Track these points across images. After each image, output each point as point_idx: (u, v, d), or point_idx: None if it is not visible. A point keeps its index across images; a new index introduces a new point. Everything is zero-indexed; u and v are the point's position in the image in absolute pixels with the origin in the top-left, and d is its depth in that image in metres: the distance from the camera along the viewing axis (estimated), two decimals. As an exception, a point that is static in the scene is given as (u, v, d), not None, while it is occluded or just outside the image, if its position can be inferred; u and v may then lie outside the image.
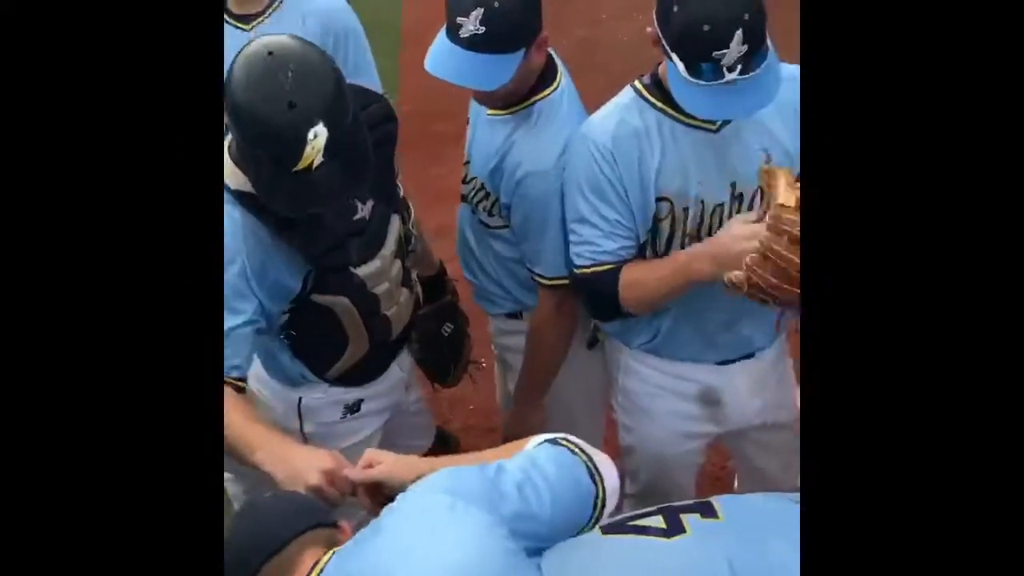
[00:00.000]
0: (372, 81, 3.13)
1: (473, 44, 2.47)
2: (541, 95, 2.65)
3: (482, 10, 2.44)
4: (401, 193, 2.66)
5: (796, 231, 2.19)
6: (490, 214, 2.79)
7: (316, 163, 2.13)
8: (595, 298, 2.59)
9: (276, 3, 3.20)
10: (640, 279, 2.50)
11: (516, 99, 2.64)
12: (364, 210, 2.48)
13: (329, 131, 2.12)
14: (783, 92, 2.34)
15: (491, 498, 1.90)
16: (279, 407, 2.71)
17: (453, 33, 2.49)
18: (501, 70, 2.50)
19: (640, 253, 2.54)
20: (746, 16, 2.21)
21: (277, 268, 2.36)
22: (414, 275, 2.79)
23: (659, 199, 2.48)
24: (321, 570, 1.83)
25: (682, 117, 2.41)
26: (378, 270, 2.53)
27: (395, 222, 2.59)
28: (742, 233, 2.32)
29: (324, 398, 2.69)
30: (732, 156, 2.45)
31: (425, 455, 2.73)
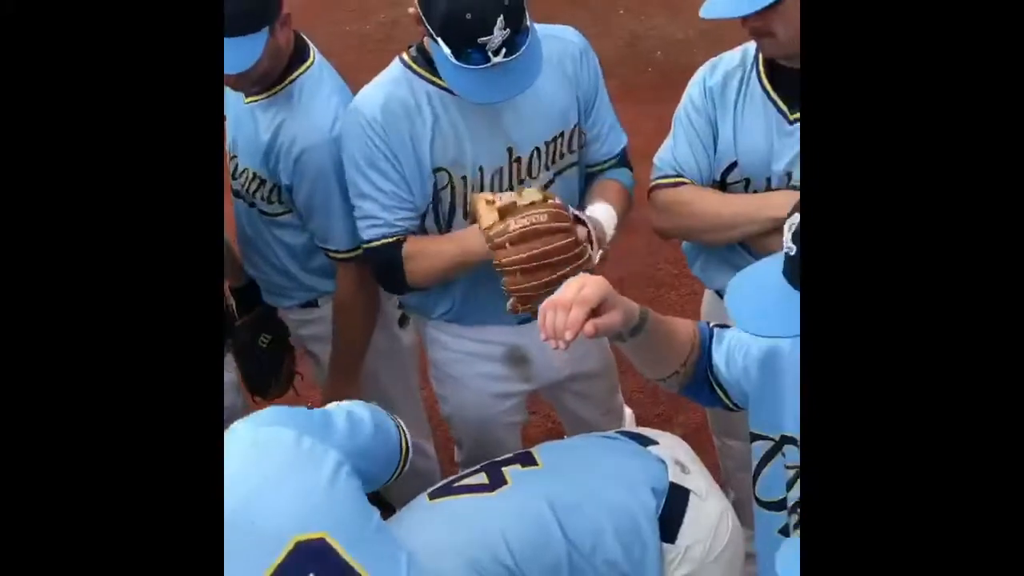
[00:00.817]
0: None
1: None
2: (298, 72, 2.65)
3: None
4: None
5: (514, 233, 2.31)
6: (269, 202, 2.75)
7: None
8: (383, 271, 2.60)
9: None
10: (423, 251, 2.53)
11: (272, 81, 2.63)
12: None
13: None
14: (546, 51, 2.40)
15: (327, 431, 2.03)
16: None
17: None
18: (247, 51, 2.49)
19: (423, 223, 2.56)
20: (506, 1, 2.26)
21: None
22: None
23: (436, 170, 2.51)
24: None
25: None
26: None
27: None
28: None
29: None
30: (505, 121, 2.50)
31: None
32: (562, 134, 2.56)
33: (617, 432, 2.60)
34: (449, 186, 2.53)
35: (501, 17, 2.26)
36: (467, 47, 2.28)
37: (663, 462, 2.34)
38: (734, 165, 2.50)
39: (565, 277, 2.05)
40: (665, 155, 2.56)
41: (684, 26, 5.80)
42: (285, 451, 1.97)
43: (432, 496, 2.32)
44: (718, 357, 2.07)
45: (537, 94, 2.46)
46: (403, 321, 3.00)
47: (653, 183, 2.58)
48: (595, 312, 1.86)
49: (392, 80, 2.51)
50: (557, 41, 2.53)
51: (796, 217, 1.69)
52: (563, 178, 2.60)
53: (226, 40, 2.35)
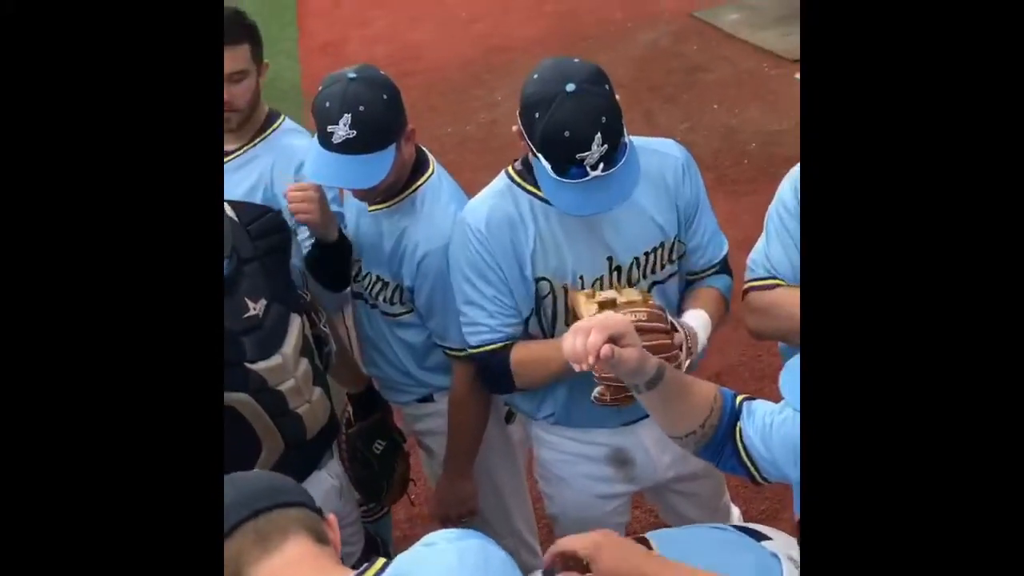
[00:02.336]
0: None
1: (347, 148, 2.66)
2: (420, 181, 2.82)
3: (350, 116, 2.64)
4: (307, 298, 2.79)
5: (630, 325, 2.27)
6: (391, 303, 2.89)
7: None
8: (489, 375, 2.70)
9: (255, 142, 3.16)
10: (530, 357, 2.62)
11: (396, 191, 2.80)
12: (256, 308, 2.56)
13: None
14: (645, 165, 2.49)
15: None
16: None
17: (327, 141, 2.67)
18: (377, 167, 2.68)
19: (527, 327, 2.65)
20: (604, 119, 2.36)
21: None
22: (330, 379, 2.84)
23: (537, 279, 2.60)
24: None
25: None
26: (278, 366, 2.57)
27: (295, 321, 2.65)
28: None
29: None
30: (605, 232, 2.58)
31: (357, 563, 2.68)
32: (661, 245, 2.62)
33: (729, 525, 2.60)
34: (551, 295, 2.61)
35: (599, 134, 2.34)
36: (566, 163, 2.37)
37: (777, 558, 2.33)
38: None
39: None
40: (758, 257, 2.60)
41: (779, 117, 5.85)
42: None
43: None
44: (751, 431, 2.11)
45: (637, 206, 2.54)
46: (509, 418, 3.08)
47: (747, 285, 2.61)
48: (615, 342, 1.96)
49: (497, 192, 2.63)
50: (658, 155, 2.62)
51: None
52: (662, 287, 2.67)
53: (358, 157, 2.65)
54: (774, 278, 2.57)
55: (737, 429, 2.14)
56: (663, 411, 2.14)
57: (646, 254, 2.61)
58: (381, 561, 1.62)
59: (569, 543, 1.99)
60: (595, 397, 2.47)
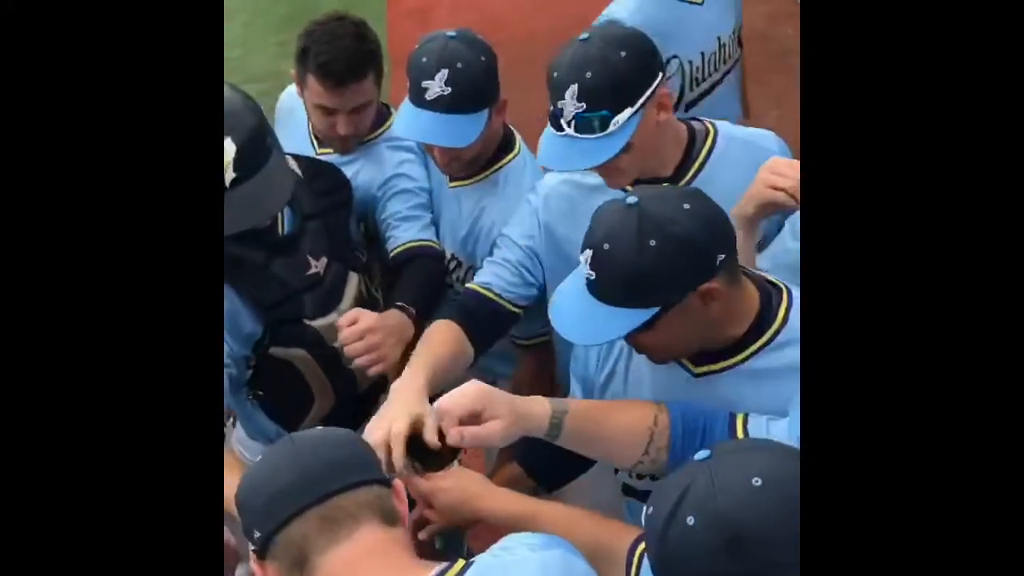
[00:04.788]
0: None
1: (440, 104, 2.54)
2: (504, 161, 2.73)
3: (447, 71, 2.53)
4: (364, 258, 2.74)
5: None
6: (463, 283, 2.79)
7: (228, 180, 2.24)
8: (467, 315, 2.46)
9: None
10: None
11: (479, 167, 2.71)
12: (318, 266, 2.55)
13: (237, 147, 2.24)
14: (737, 156, 2.34)
15: None
16: None
17: (419, 97, 2.57)
18: (469, 129, 2.57)
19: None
20: (588, 75, 2.19)
21: (238, 311, 2.43)
22: None
23: None
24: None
25: None
26: (335, 324, 2.55)
27: (353, 280, 2.63)
28: None
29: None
30: None
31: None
32: None
33: None
34: None
35: (575, 87, 2.20)
36: (552, 109, 2.26)
37: None
38: None
39: None
40: None
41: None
42: None
43: None
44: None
45: (726, 200, 2.31)
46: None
47: None
48: (476, 419, 1.89)
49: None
50: (751, 147, 2.41)
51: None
52: None
53: (451, 116, 2.54)
54: None
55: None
56: (586, 452, 2.01)
57: None
58: (461, 563, 1.56)
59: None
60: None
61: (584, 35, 2.27)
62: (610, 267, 1.89)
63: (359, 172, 2.82)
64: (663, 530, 1.46)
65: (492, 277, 2.49)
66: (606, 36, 2.26)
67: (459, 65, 2.53)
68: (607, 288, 1.90)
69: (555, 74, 2.24)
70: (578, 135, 2.22)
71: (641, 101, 2.22)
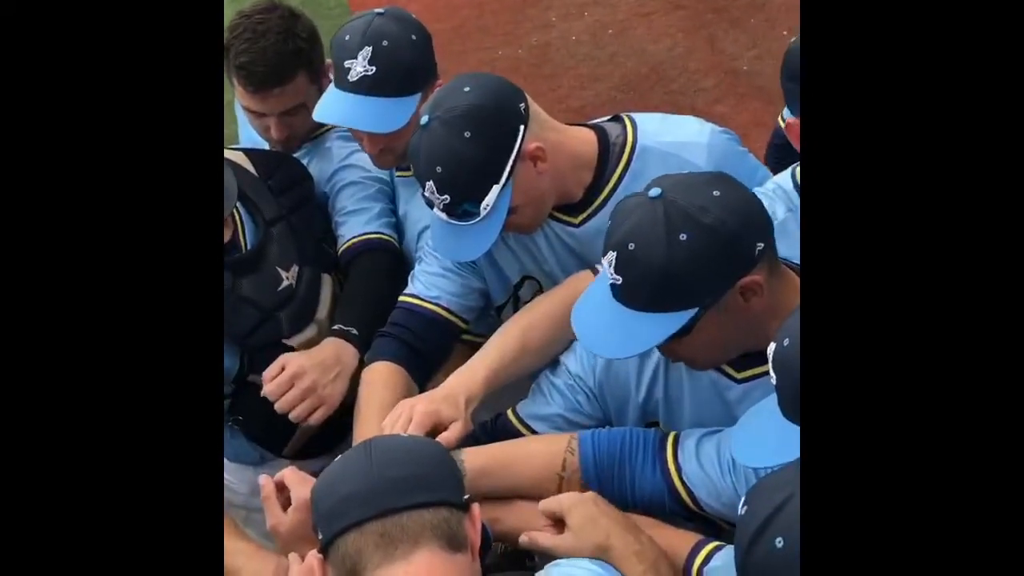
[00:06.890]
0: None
1: (363, 86, 2.28)
2: None
3: (370, 49, 2.27)
4: (335, 253, 2.53)
5: None
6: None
7: None
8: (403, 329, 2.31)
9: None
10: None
11: None
12: (289, 277, 2.37)
13: None
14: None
15: None
16: (243, 489, 2.59)
17: (342, 79, 2.32)
18: (396, 114, 2.30)
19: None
20: (438, 169, 2.01)
21: None
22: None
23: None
24: None
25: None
26: (313, 337, 2.38)
27: (327, 282, 2.45)
28: None
29: (287, 474, 2.58)
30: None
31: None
32: None
33: None
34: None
35: (431, 183, 2.03)
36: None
37: None
38: None
39: None
40: None
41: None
42: None
43: None
44: (690, 467, 1.82)
45: None
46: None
47: None
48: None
49: None
50: (673, 162, 2.15)
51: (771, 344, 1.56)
52: None
53: (374, 99, 2.28)
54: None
55: (671, 467, 1.85)
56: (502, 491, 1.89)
57: None
58: None
59: (546, 504, 1.81)
60: None
61: (423, 119, 2.06)
62: (637, 268, 1.72)
63: (309, 168, 2.59)
64: (748, 545, 1.40)
65: (438, 291, 2.27)
66: (446, 120, 2.03)
67: (385, 43, 2.27)
68: (635, 292, 1.73)
69: (414, 160, 2.07)
70: (458, 222, 2.06)
71: (505, 175, 2.03)
